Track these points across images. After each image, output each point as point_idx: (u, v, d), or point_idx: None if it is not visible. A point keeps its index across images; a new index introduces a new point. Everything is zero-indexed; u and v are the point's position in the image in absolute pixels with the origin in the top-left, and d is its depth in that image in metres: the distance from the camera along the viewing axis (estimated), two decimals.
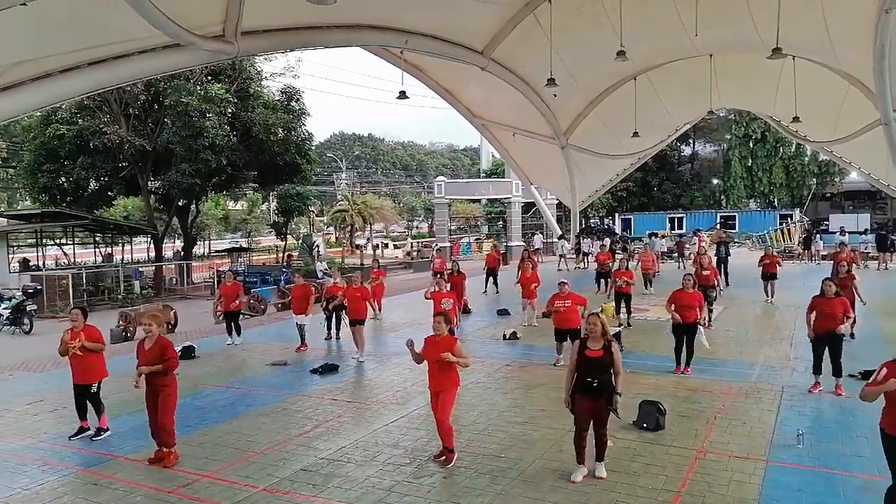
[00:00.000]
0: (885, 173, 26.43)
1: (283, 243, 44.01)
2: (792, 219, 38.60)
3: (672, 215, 43.93)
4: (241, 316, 14.58)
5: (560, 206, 39.29)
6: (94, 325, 7.97)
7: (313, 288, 14.79)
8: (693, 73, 23.89)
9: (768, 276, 16.90)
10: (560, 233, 34.37)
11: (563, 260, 27.95)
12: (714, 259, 17.92)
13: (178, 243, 40.51)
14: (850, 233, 30.45)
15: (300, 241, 42.91)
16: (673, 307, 9.90)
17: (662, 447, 7.01)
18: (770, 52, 15.81)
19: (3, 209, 41.64)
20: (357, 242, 53.35)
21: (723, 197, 49.43)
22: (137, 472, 6.78)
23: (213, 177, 28.20)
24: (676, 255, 28.00)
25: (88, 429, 7.92)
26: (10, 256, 29.58)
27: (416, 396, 9.09)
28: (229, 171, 28.13)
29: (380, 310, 15.84)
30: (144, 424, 7.32)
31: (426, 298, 12.17)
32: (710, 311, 13.63)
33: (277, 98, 30.59)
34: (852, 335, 11.67)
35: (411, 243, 52.18)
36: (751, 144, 46.37)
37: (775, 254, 18.59)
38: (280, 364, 11.65)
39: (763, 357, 11.11)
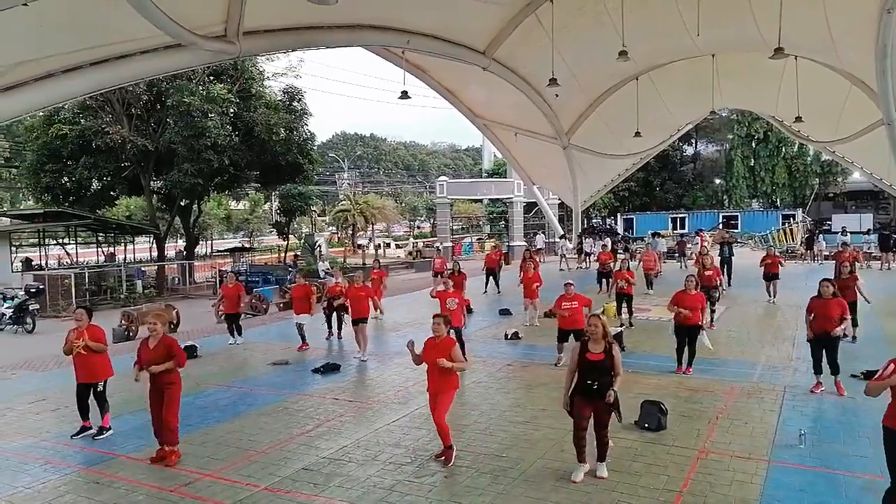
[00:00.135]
0: (887, 173, 26.39)
1: (285, 243, 44.07)
2: (794, 219, 38.55)
3: (674, 215, 43.87)
4: (242, 316, 14.59)
5: (562, 206, 39.28)
6: (98, 325, 7.99)
7: (314, 288, 14.80)
8: (695, 73, 23.88)
9: (770, 276, 16.88)
10: (562, 233, 34.37)
11: (564, 260, 27.95)
12: (718, 259, 17.88)
13: (181, 243, 40.58)
14: (852, 233, 30.35)
15: (302, 240, 43.00)
16: (677, 308, 9.89)
17: (664, 447, 7.01)
18: (772, 51, 15.79)
19: (6, 209, 41.74)
20: (359, 242, 53.39)
21: (725, 197, 49.38)
22: (139, 470, 6.79)
23: (215, 177, 28.23)
24: (678, 254, 27.97)
25: (90, 428, 7.94)
26: (13, 256, 29.67)
27: (418, 396, 9.08)
28: (231, 171, 28.19)
29: (381, 312, 15.80)
30: (146, 424, 7.33)
31: (432, 297, 12.22)
32: (713, 311, 13.62)
33: (279, 98, 30.64)
34: (854, 338, 11.67)
35: (413, 243, 52.21)
36: (753, 144, 46.32)
37: (777, 254, 18.55)
38: (282, 363, 11.66)
39: (765, 357, 11.09)
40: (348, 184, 73.01)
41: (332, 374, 10.72)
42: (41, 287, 22.26)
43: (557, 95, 22.54)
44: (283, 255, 43.03)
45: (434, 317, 6.93)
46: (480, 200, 48.32)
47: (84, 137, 26.18)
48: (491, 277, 20.81)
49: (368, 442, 7.43)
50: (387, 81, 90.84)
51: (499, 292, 20.23)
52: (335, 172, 76.93)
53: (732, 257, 20.71)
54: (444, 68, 22.77)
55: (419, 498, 5.95)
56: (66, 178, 28.39)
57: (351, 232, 53.70)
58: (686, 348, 9.95)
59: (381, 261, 23.19)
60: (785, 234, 35.17)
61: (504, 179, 44.10)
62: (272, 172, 30.82)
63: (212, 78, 27.53)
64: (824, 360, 8.74)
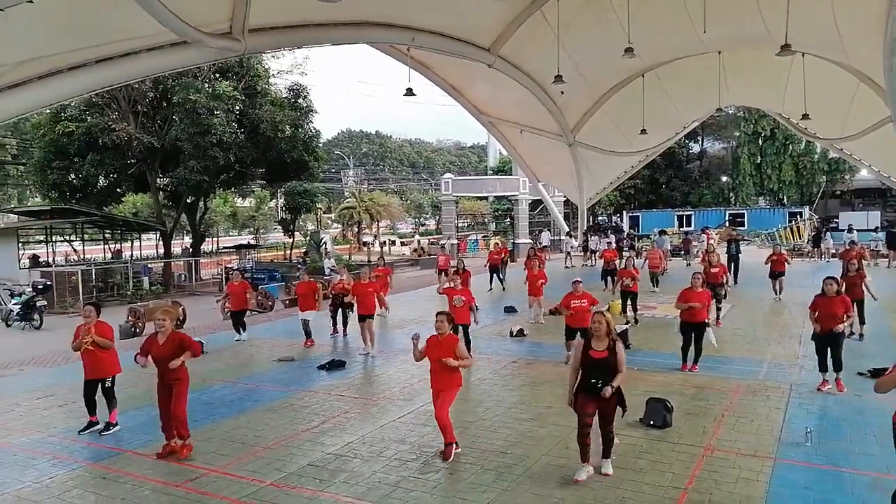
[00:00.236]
0: (895, 170, 26.24)
1: (291, 240, 44.16)
2: (801, 216, 38.35)
3: (680, 213, 43.70)
4: (246, 313, 14.63)
5: (567, 203, 39.22)
6: (106, 322, 8.03)
7: (319, 285, 14.83)
8: (701, 70, 23.77)
9: (776, 273, 16.82)
10: (567, 230, 34.34)
11: (569, 257, 27.90)
12: (725, 257, 17.81)
13: (187, 240, 40.72)
14: (859, 230, 30.14)
15: (307, 237, 43.10)
16: (686, 304, 9.86)
17: (669, 444, 7.00)
18: (779, 48, 15.71)
19: (13, 206, 41.98)
20: (364, 239, 53.48)
21: (731, 194, 49.15)
22: (146, 466, 6.83)
23: (221, 174, 28.32)
24: (683, 252, 27.89)
25: (97, 423, 7.98)
26: (21, 253, 29.83)
27: (423, 392, 9.08)
28: (237, 168, 28.25)
29: (386, 309, 15.82)
30: (153, 419, 7.37)
31: (439, 294, 12.25)
32: (719, 308, 13.59)
33: (285, 95, 30.71)
34: (861, 336, 11.63)
35: (418, 240, 52.26)
36: (760, 142, 46.10)
37: (783, 252, 18.47)
38: (287, 360, 11.69)
39: (771, 355, 11.05)
40: (354, 181, 73.12)
41: (337, 371, 10.75)
42: (48, 284, 22.38)
43: (563, 92, 22.50)
44: (289, 252, 43.14)
45: (437, 314, 6.93)
46: (485, 198, 48.29)
47: (91, 134, 26.30)
48: (494, 274, 20.81)
49: (373, 438, 7.45)
50: (392, 79, 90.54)
51: (504, 289, 20.23)
52: (341, 170, 77.02)
53: (740, 255, 20.61)
54: (449, 65, 22.76)
55: (424, 494, 5.97)
56: (72, 175, 28.56)
57: (356, 229, 53.81)
58: (692, 346, 9.93)
59: (385, 258, 23.20)
60: (792, 231, 35.02)
61: (509, 177, 44.08)
62: (278, 169, 30.89)
63: (218, 75, 27.62)
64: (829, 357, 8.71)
